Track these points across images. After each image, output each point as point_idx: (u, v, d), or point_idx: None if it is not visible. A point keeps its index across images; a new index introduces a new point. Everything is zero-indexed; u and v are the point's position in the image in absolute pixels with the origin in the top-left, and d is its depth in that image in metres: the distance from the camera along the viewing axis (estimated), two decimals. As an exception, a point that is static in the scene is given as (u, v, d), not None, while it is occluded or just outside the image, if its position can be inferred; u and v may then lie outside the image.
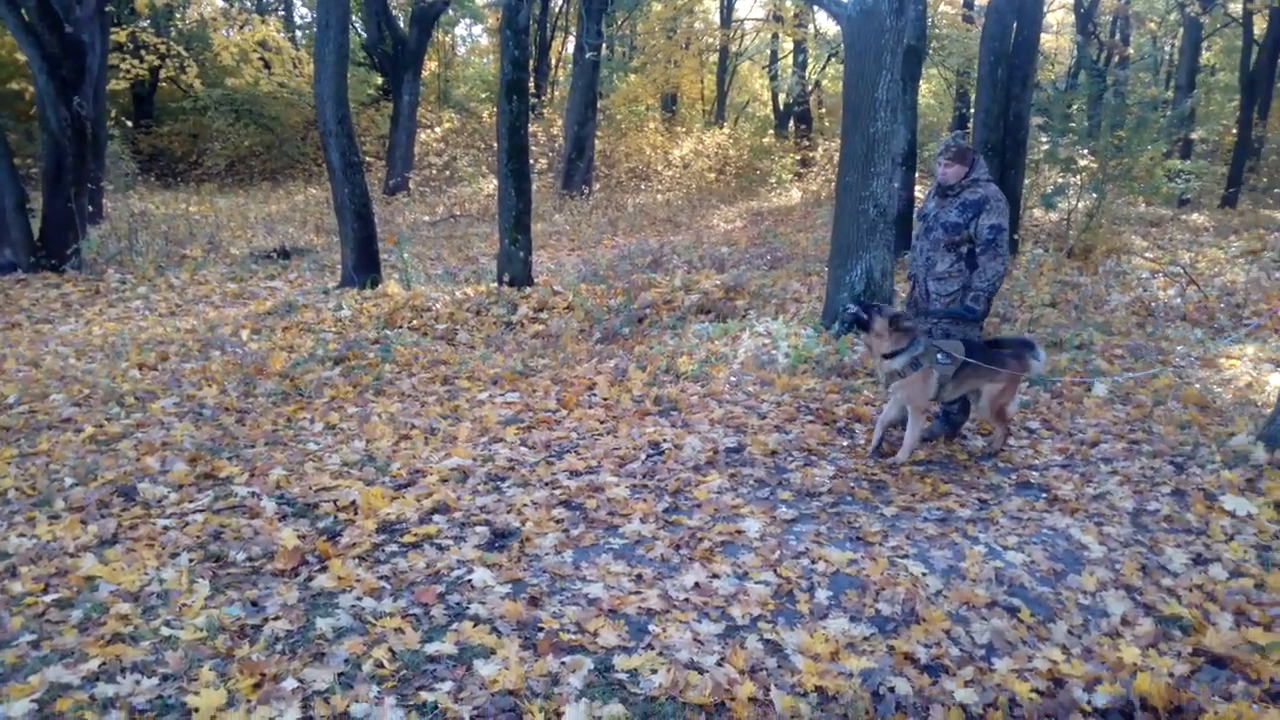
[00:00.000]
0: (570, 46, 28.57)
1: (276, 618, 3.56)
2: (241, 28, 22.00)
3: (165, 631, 3.45)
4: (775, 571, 4.04)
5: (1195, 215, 20.14)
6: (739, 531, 4.44)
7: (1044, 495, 5.03)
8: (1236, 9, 25.15)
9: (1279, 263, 12.77)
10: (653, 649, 3.36)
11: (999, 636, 3.59)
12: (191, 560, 4.09)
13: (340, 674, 3.18)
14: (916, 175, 15.45)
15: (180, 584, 3.83)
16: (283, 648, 3.35)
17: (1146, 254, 13.74)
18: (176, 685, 3.09)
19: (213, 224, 16.36)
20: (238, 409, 6.46)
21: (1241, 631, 3.60)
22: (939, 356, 5.40)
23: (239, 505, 4.73)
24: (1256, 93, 23.73)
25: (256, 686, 3.09)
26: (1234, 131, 24.94)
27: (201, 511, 4.64)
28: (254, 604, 3.70)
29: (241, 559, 4.11)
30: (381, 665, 3.22)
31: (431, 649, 3.32)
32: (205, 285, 11.73)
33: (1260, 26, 24.17)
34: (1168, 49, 35.14)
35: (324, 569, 3.99)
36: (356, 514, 4.57)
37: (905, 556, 4.20)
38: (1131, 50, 31.17)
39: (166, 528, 4.44)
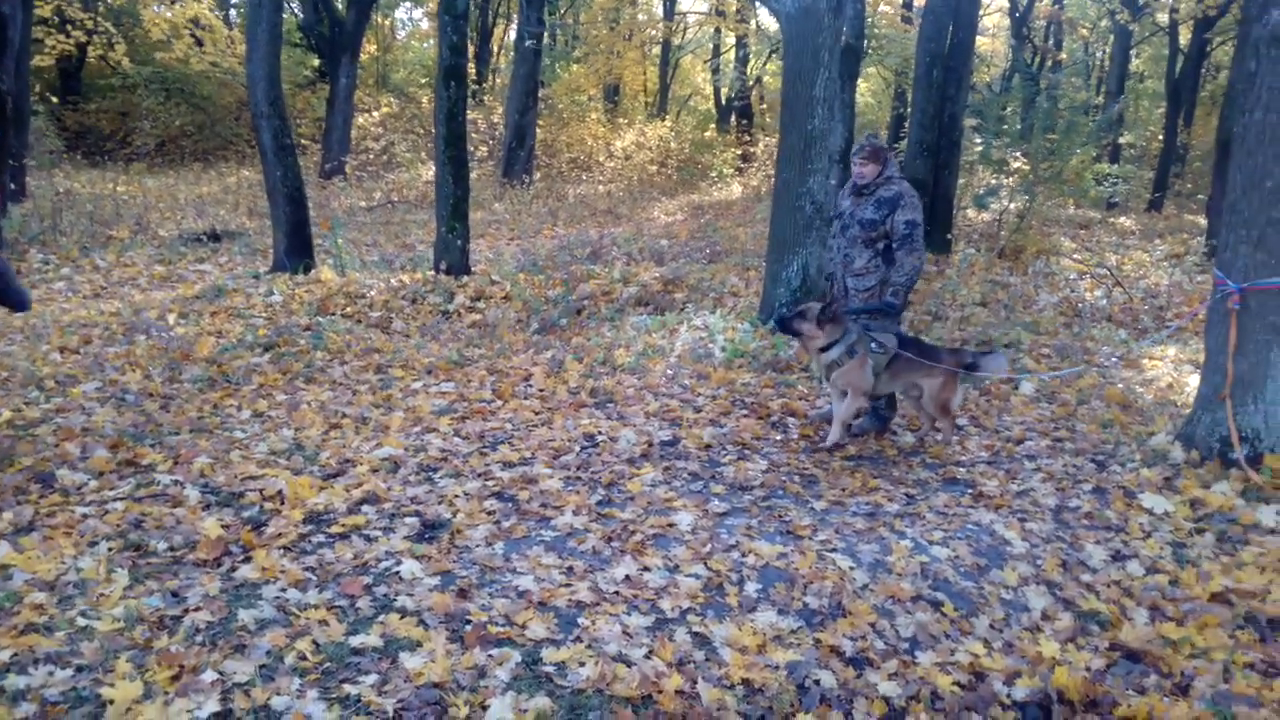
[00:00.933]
0: (512, 34, 28.29)
1: (197, 609, 3.47)
2: (173, 3, 21.41)
3: (81, 622, 3.34)
4: (706, 565, 4.05)
5: (1122, 218, 20.70)
6: (671, 525, 4.45)
7: (970, 491, 5.12)
8: (1164, 19, 25.85)
9: (1200, 267, 13.17)
10: (581, 641, 3.35)
11: (923, 630, 3.65)
12: (111, 549, 3.97)
13: (262, 666, 3.11)
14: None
15: (98, 573, 3.71)
16: (203, 639, 3.27)
17: (1075, 255, 14.08)
18: (91, 677, 2.99)
19: (141, 205, 15.91)
20: (162, 395, 6.29)
21: (1156, 626, 3.71)
22: (872, 345, 5.53)
23: (161, 493, 4.61)
24: (1181, 100, 24.47)
25: (175, 679, 3.01)
26: (1160, 137, 25.69)
27: (122, 499, 4.51)
28: (174, 594, 3.60)
29: (163, 548, 4.00)
30: (304, 658, 3.16)
31: (356, 641, 3.26)
32: (131, 267, 11.41)
33: (1185, 36, 24.90)
34: (1099, 55, 35.99)
35: (248, 559, 3.90)
36: (283, 504, 4.48)
37: (834, 550, 4.25)
38: (1064, 55, 31.86)
39: (85, 515, 4.31)
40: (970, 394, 6.98)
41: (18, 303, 5.15)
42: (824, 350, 5.53)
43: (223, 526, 4.18)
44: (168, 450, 5.20)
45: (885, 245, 5.69)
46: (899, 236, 5.62)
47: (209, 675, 3.02)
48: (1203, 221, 19.09)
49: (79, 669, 3.04)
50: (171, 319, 8.34)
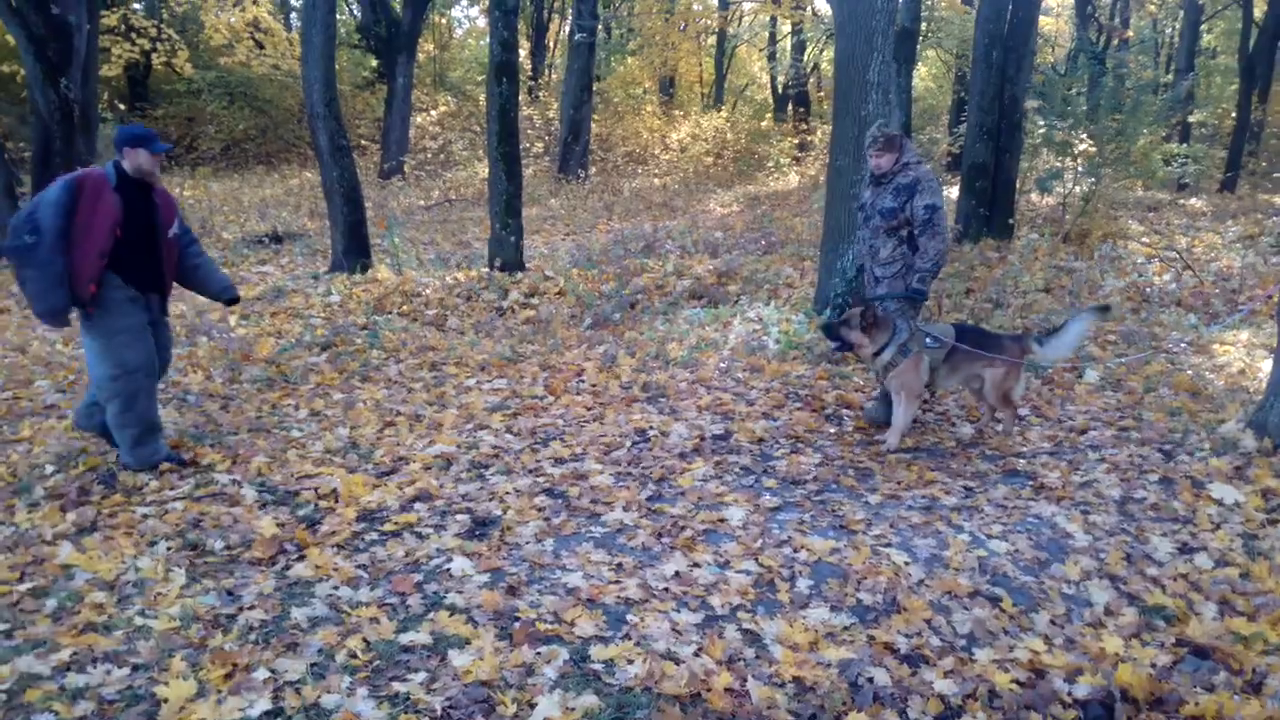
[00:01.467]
0: (567, 29, 28.36)
1: (252, 607, 3.53)
2: (234, 6, 21.82)
3: (139, 621, 3.42)
4: (757, 560, 4.01)
5: (1193, 200, 20.04)
6: (722, 520, 4.41)
7: (1030, 483, 4.99)
8: (1237, -10, 25.02)
9: (1276, 248, 12.70)
10: (630, 639, 3.33)
11: (980, 626, 3.56)
12: (169, 549, 4.06)
13: (313, 664, 3.15)
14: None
15: (157, 573, 3.80)
16: (256, 637, 3.33)
17: (1143, 239, 13.67)
18: (147, 676, 3.06)
19: (206, 208, 16.27)
20: (222, 395, 6.42)
21: (1225, 621, 3.57)
22: (928, 340, 5.40)
23: (219, 493, 4.70)
24: (1256, 76, 23.57)
25: (228, 677, 3.07)
26: (1233, 115, 24.82)
27: (181, 499, 4.61)
28: (230, 593, 3.67)
29: (219, 547, 4.08)
30: (355, 655, 3.19)
31: (406, 639, 3.29)
32: (196, 270, 11.64)
33: (1260, 9, 24.00)
34: (1168, 32, 34.95)
35: (302, 558, 3.96)
36: (337, 502, 4.54)
37: (888, 545, 4.17)
38: (1131, 33, 30.97)
39: (145, 515, 4.42)
40: (1033, 383, 6.81)
41: (220, 290, 5.30)
42: (877, 354, 5.43)
43: (278, 525, 4.25)
44: (226, 450, 5.30)
45: (909, 233, 5.60)
46: (919, 222, 5.51)
47: (261, 673, 3.06)
48: (1279, 201, 18.44)
49: (135, 668, 3.10)
50: (233, 321, 8.51)
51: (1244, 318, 8.60)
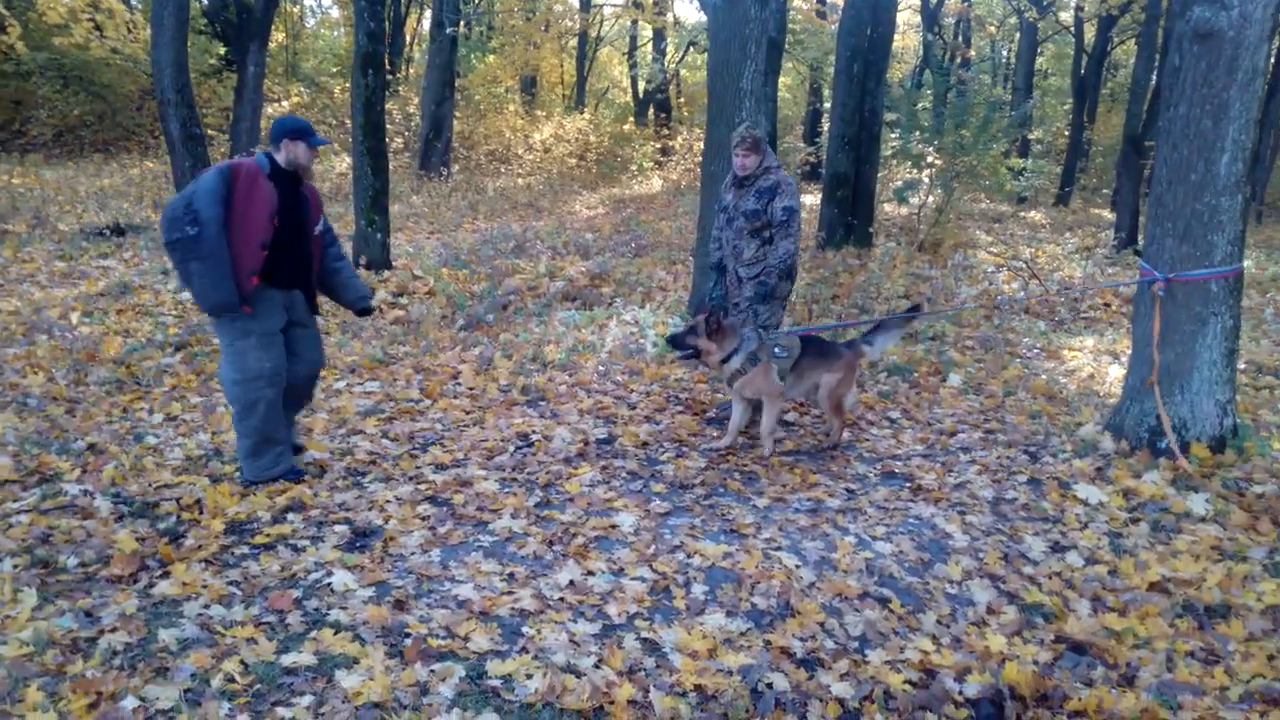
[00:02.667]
0: (426, 23, 27.76)
1: (114, 629, 3.25)
2: (71, -15, 20.43)
3: (-15, 648, 3.10)
4: (651, 567, 3.96)
5: (1032, 212, 21.22)
6: (613, 526, 4.35)
7: (908, 485, 5.11)
8: (1068, 17, 26.58)
9: (1110, 259, 13.55)
10: (527, 652, 3.22)
11: (871, 628, 3.60)
12: (16, 566, 3.71)
13: (187, 690, 2.92)
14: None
15: (3, 593, 3.47)
16: (121, 662, 3.06)
17: (991, 249, 14.36)
18: (-2, 709, 2.77)
19: (38, 198, 15.11)
20: (67, 399, 5.95)
21: (1099, 618, 3.72)
22: (775, 350, 5.43)
23: (70, 505, 4.34)
24: (1086, 97, 25.17)
25: (92, 707, 2.81)
26: (1066, 133, 26.41)
27: (27, 512, 4.23)
28: (88, 614, 3.37)
29: (73, 564, 3.76)
30: (233, 679, 2.97)
31: (288, 660, 3.08)
32: (30, 264, 10.78)
33: (1090, 35, 25.62)
34: (1005, 52, 36.90)
35: (166, 574, 3.68)
36: (202, 513, 4.25)
37: (779, 548, 4.19)
38: (973, 52, 32.56)
39: (-16, 531, 4.02)
40: (900, 386, 7.01)
41: (356, 299, 4.93)
42: (725, 361, 5.39)
43: (138, 539, 3.95)
44: (75, 458, 4.90)
45: (770, 235, 5.79)
46: (777, 223, 5.74)
47: (130, 702, 2.83)
48: (1109, 215, 19.70)
49: (-17, 700, 2.80)
50: (75, 318, 7.91)
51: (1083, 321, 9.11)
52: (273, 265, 4.42)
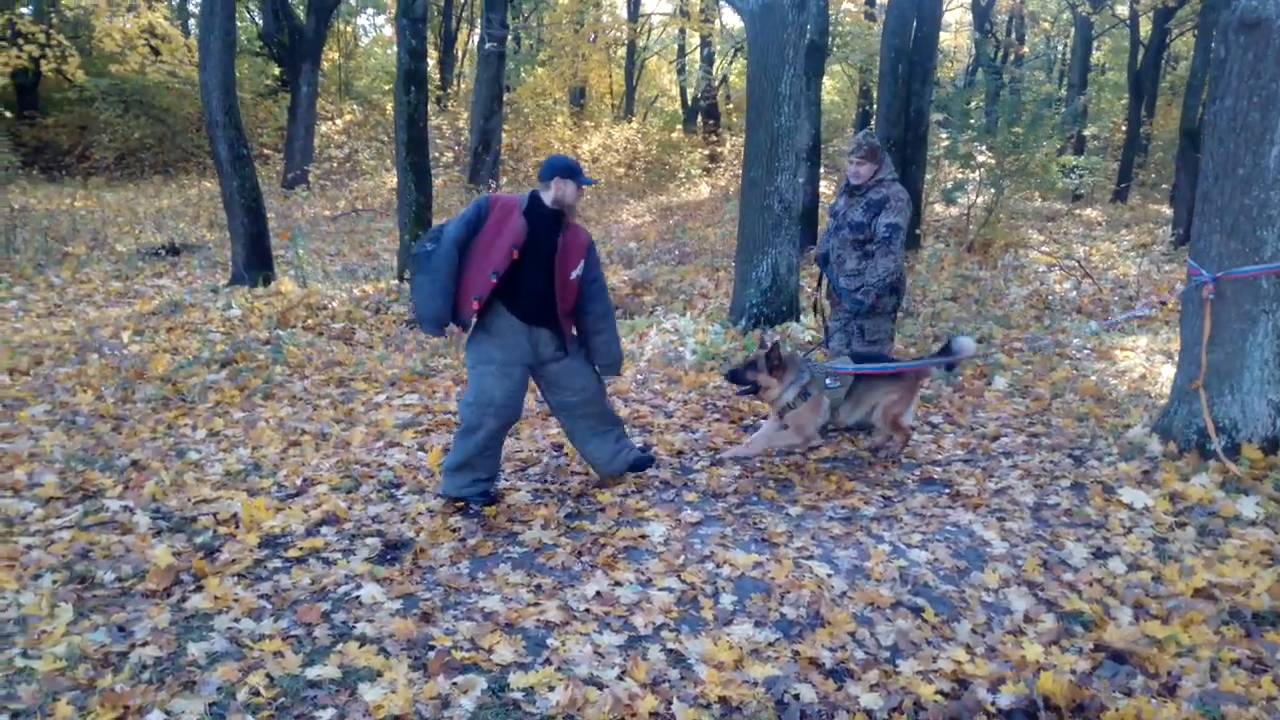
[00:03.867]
0: (476, 38, 28.07)
1: (145, 643, 3.30)
2: (128, 11, 21.01)
3: (20, 663, 3.16)
4: (679, 577, 3.92)
5: (1088, 210, 20.79)
6: (643, 536, 4.32)
7: (947, 491, 5.01)
8: (1123, 10, 26.04)
9: (1167, 256, 13.21)
10: (550, 664, 3.21)
11: (903, 637, 3.53)
12: (55, 582, 3.79)
13: (212, 704, 2.95)
14: (821, 171, 15.57)
15: (41, 609, 3.54)
16: (150, 676, 3.11)
17: (1043, 248, 14.09)
18: (27, 723, 2.83)
19: (99, 219, 15.60)
20: (114, 416, 6.09)
21: (1141, 625, 3.61)
22: (827, 381, 5.22)
23: (110, 521, 4.43)
24: (1143, 91, 24.62)
25: (118, 720, 2.85)
26: (1123, 129, 25.85)
27: (69, 528, 4.32)
28: (121, 629, 3.43)
29: (110, 579, 3.83)
30: (258, 693, 3.00)
31: (313, 673, 3.11)
32: (87, 284, 11.12)
33: (1146, 28, 25.06)
34: (1060, 48, 36.25)
35: (199, 588, 3.73)
36: (237, 527, 4.31)
37: (810, 557, 4.13)
38: (1026, 49, 32.05)
39: (30, 546, 4.12)
40: (944, 390, 6.89)
41: (605, 365, 4.89)
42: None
43: (174, 554, 4.01)
44: (118, 474, 5.01)
45: (872, 250, 5.67)
46: (879, 239, 5.59)
47: (156, 715, 2.87)
48: (1167, 211, 19.23)
49: (15, 715, 2.86)
50: (126, 337, 8.11)
51: (1133, 318, 8.87)
52: (510, 297, 4.48)
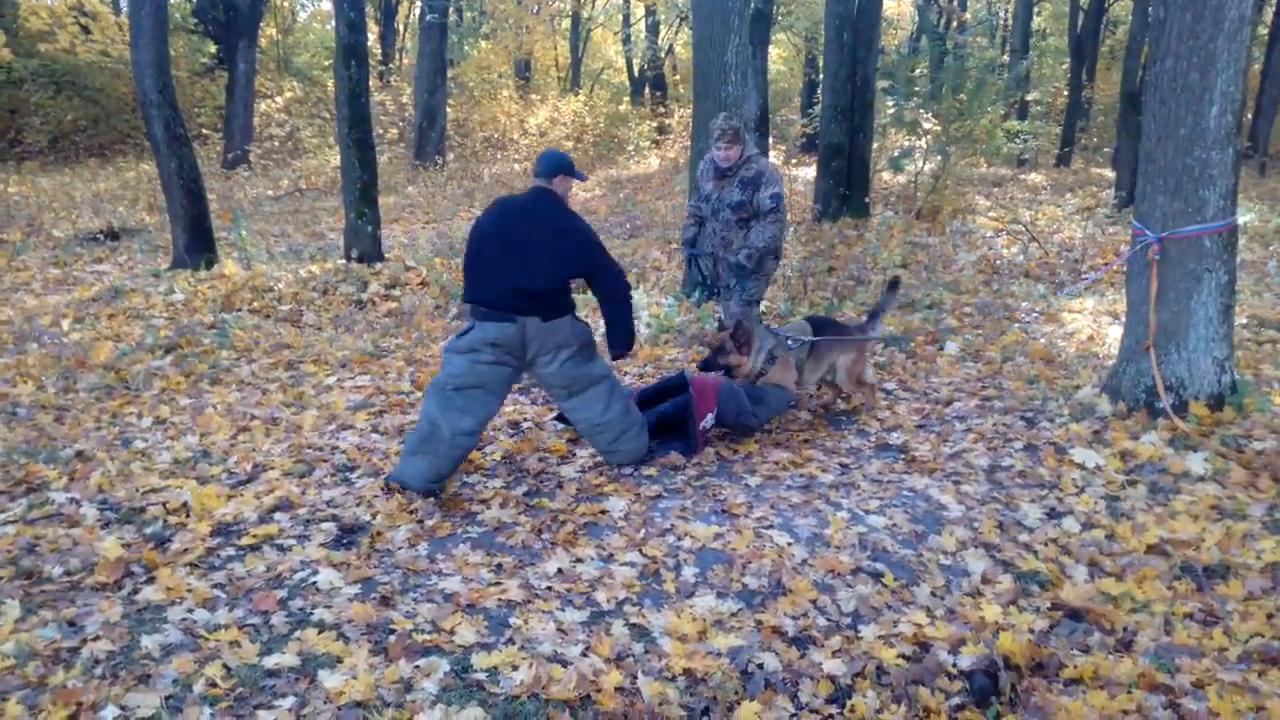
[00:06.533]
0: (417, 12, 27.58)
1: (96, 638, 3.21)
2: (55, -10, 20.33)
3: (-36, 664, 3.07)
4: (641, 551, 3.91)
5: (1033, 175, 21.05)
6: (603, 511, 4.30)
7: (903, 456, 5.06)
8: (1064, -26, 26.27)
9: (1111, 219, 13.41)
10: (514, 644, 3.18)
11: (864, 603, 3.56)
12: (1, 578, 3.68)
13: (168, 697, 2.88)
14: (770, 141, 15.56)
15: (-14, 607, 3.43)
16: (103, 671, 3.02)
17: (990, 213, 14.23)
18: (-25, 726, 2.74)
19: (34, 205, 15.16)
20: (56, 406, 5.92)
21: (1096, 583, 3.67)
22: (789, 343, 5.43)
23: (56, 513, 4.30)
24: (1084, 55, 24.90)
25: (71, 717, 2.77)
26: (1065, 93, 26.15)
27: (13, 523, 4.18)
28: (71, 624, 3.33)
29: (59, 573, 3.72)
30: (215, 684, 2.94)
31: (271, 662, 3.05)
32: (24, 271, 10.79)
33: (1086, -7, 25.30)
34: (1002, 14, 36.50)
35: (151, 580, 3.64)
36: (188, 516, 4.21)
37: (770, 527, 4.14)
38: (969, 15, 32.23)
39: (-29, 543, 4.00)
40: (897, 357, 6.94)
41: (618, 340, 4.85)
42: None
43: (123, 546, 3.90)
44: (63, 466, 4.87)
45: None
46: (765, 210, 5.71)
47: (110, 711, 2.79)
48: (1110, 174, 19.50)
49: (-39, 716, 2.77)
50: (66, 324, 7.88)
51: (1089, 285, 9.01)
52: None
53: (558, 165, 4.68)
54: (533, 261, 4.40)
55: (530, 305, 4.40)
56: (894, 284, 6.12)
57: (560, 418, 5.34)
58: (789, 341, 5.43)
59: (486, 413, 4.53)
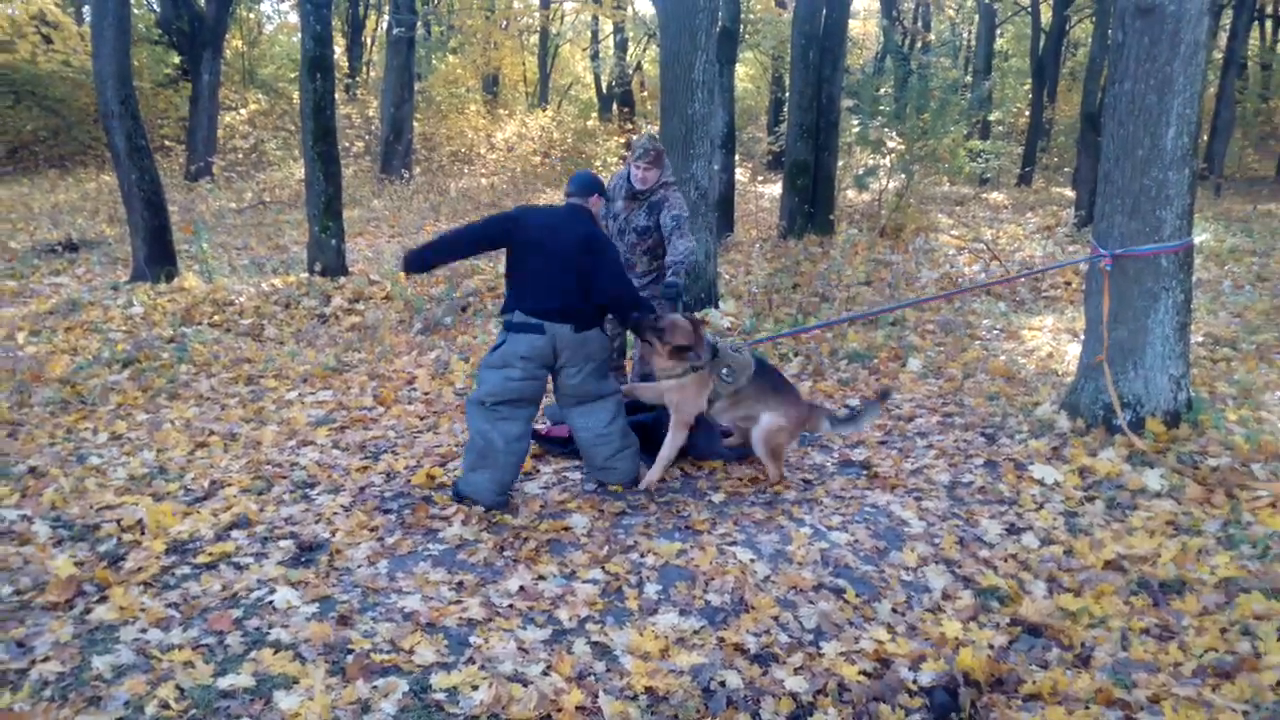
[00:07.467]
0: (385, 25, 27.48)
1: (46, 659, 3.15)
2: (14, -1, 20.07)
3: (-93, 688, 2.99)
4: (604, 568, 3.90)
5: (995, 194, 21.31)
6: (566, 528, 4.28)
7: (865, 472, 5.08)
8: (1025, -2, 26.71)
9: (1071, 238, 13.60)
10: (474, 663, 3.15)
11: (826, 619, 3.56)
12: (-54, 599, 3.59)
13: (119, 719, 2.83)
14: (736, 158, 15.64)
15: (-69, 628, 3.35)
16: (52, 693, 2.97)
17: (952, 231, 14.38)
18: (-84, 751, 2.67)
19: (-11, 216, 14.89)
20: (9, 421, 5.80)
21: (1054, 599, 3.71)
22: (723, 371, 4.79)
23: (7, 531, 4.22)
24: (1045, 77, 25.29)
25: (18, 742, 2.72)
26: (1026, 114, 26.54)
27: (-39, 541, 4.10)
28: (20, 644, 3.26)
29: (8, 593, 3.64)
30: (168, 705, 2.89)
31: (225, 683, 3.00)
32: (-22, 284, 10.59)
33: (1047, 15, 25.72)
34: (965, 35, 37.02)
35: (104, 599, 3.58)
36: (143, 534, 4.14)
37: (733, 544, 4.14)
38: (933, 36, 32.68)
39: (-83, 562, 3.90)
40: (860, 374, 6.98)
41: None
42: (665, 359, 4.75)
43: (76, 564, 3.83)
44: (15, 482, 4.77)
45: (663, 249, 5.53)
46: (669, 230, 5.39)
47: (58, 735, 2.73)
48: (1070, 193, 19.79)
49: (-98, 742, 2.70)
50: (21, 338, 7.74)
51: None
52: None
53: (593, 185, 4.80)
54: (568, 275, 4.48)
55: (563, 315, 4.48)
56: (884, 394, 5.43)
57: (535, 436, 5.28)
58: (723, 371, 4.78)
59: (529, 415, 4.61)
